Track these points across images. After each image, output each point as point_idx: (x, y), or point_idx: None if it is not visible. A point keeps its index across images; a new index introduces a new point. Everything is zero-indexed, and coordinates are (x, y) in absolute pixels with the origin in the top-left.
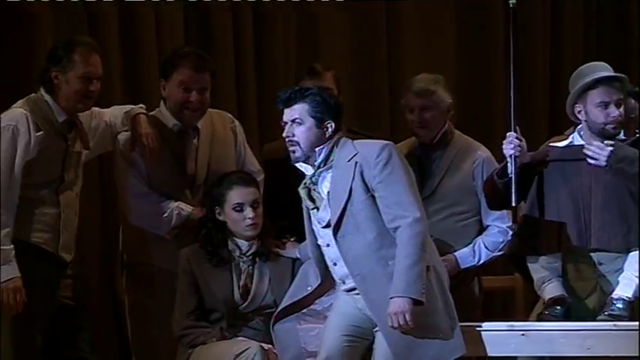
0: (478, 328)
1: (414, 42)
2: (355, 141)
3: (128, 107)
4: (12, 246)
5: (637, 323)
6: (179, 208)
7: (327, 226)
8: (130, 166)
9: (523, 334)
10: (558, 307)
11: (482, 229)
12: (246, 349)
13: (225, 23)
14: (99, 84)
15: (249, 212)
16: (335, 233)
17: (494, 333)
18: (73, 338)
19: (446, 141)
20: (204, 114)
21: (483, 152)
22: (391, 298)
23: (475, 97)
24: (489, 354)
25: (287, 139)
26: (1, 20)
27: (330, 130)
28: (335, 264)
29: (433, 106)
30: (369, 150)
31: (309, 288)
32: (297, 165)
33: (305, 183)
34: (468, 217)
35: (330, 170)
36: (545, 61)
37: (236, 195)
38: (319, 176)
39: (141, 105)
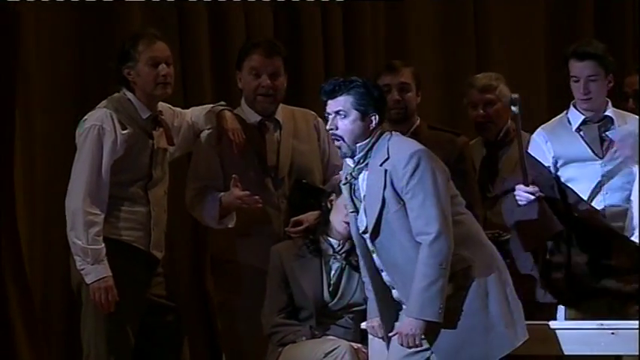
0: (567, 327)
1: (503, 34)
2: (391, 140)
3: (209, 106)
4: (103, 245)
5: None
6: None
7: (365, 232)
8: None
9: (613, 333)
10: None
11: None
12: (336, 348)
13: (315, 20)
14: (169, 68)
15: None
16: (372, 240)
17: (584, 332)
18: (165, 336)
19: (510, 137)
20: (278, 100)
21: None
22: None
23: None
24: (578, 352)
25: (330, 133)
26: (94, 20)
27: (373, 122)
28: (382, 271)
29: (496, 101)
30: (399, 157)
31: None
32: (345, 160)
33: (346, 177)
34: None
35: (367, 168)
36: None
37: None
38: (359, 172)
39: (222, 102)
